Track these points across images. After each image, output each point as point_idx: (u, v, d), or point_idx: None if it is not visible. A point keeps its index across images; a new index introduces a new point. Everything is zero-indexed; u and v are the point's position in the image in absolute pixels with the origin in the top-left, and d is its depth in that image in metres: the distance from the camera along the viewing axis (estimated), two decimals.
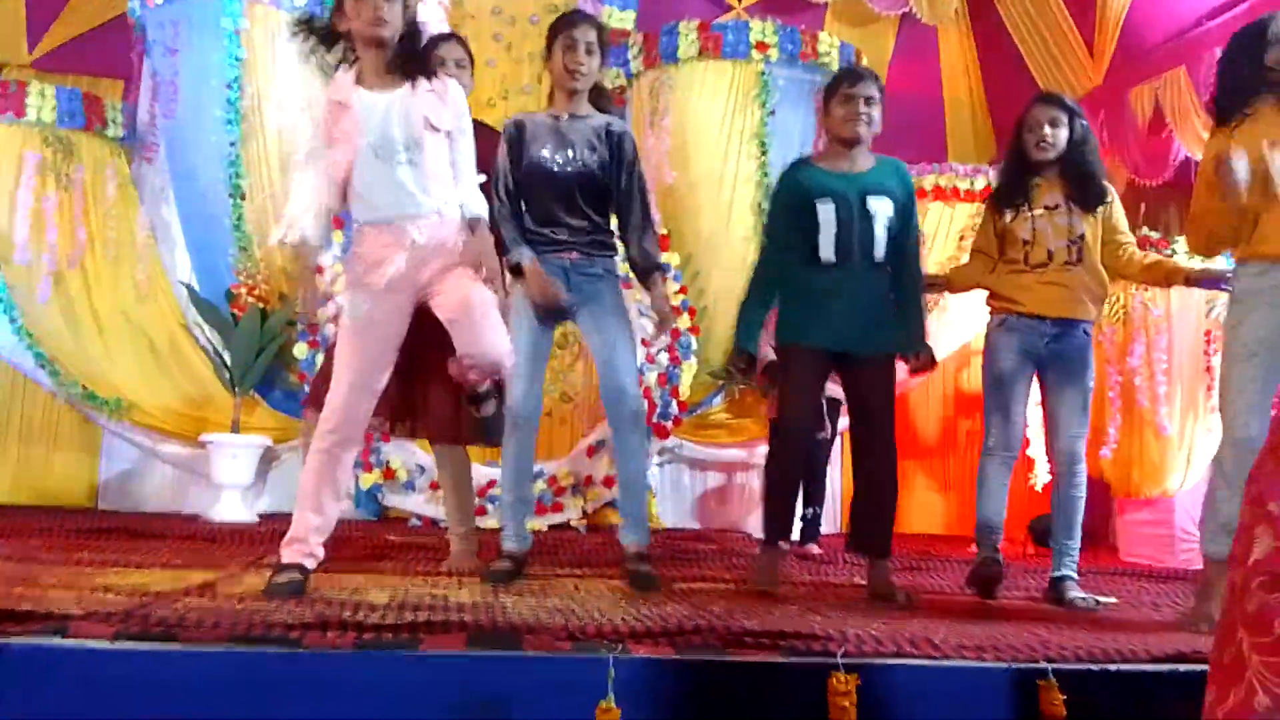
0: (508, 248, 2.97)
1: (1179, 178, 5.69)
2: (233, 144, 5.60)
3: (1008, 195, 3.19)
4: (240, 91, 5.61)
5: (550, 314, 3.02)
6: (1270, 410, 2.68)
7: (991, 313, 3.25)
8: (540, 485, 5.63)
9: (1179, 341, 4.89)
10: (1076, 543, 3.13)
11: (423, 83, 2.56)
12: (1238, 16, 5.07)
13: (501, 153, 3.05)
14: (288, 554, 2.49)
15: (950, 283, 3.49)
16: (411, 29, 2.56)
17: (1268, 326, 2.63)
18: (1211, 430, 4.89)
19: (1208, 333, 4.91)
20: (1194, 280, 3.16)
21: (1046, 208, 3.11)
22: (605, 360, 3.04)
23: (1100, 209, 3.14)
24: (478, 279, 2.60)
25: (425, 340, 2.75)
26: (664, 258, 5.95)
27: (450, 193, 2.60)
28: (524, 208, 3.06)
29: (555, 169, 3.00)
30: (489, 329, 2.57)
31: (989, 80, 7.30)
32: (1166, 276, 3.21)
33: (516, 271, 2.99)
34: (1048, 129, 3.08)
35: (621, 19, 6.70)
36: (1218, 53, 5.00)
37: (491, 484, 5.62)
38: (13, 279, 5.51)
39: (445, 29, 6.55)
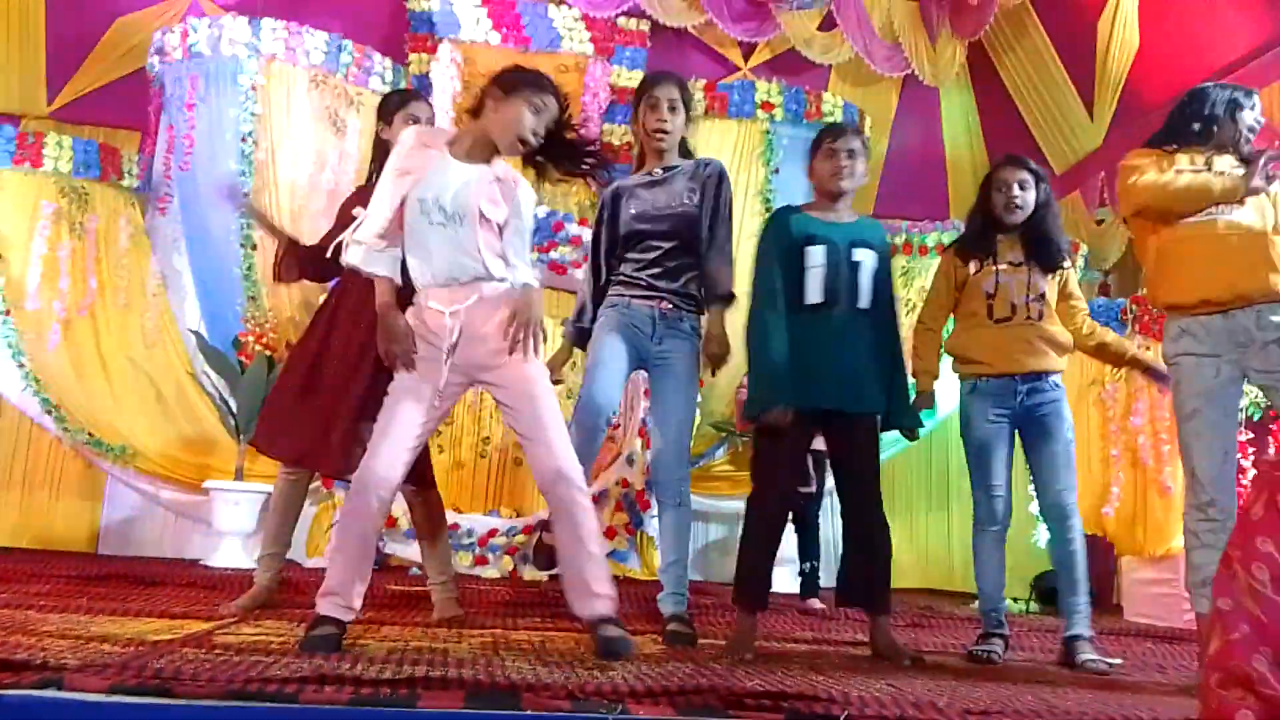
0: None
1: None
2: (245, 195, 5.70)
3: (974, 247, 3.19)
4: (254, 145, 5.73)
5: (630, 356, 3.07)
6: (1232, 462, 2.73)
7: (961, 378, 3.22)
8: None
9: None
10: (1084, 598, 3.07)
11: (498, 170, 2.58)
12: (1236, 80, 5.16)
13: (599, 219, 3.21)
14: (323, 606, 2.46)
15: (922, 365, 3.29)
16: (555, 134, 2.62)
17: (1199, 379, 2.72)
18: None
19: None
20: (1142, 369, 3.27)
21: (1010, 263, 3.13)
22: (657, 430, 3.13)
23: (1059, 271, 3.19)
24: (538, 365, 2.57)
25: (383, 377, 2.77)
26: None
27: (496, 267, 2.54)
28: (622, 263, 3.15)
29: (655, 212, 3.08)
30: (560, 428, 2.53)
31: (991, 140, 7.41)
32: (1115, 360, 3.30)
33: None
34: (1017, 190, 3.11)
35: (629, 78, 6.84)
36: None
37: (493, 533, 5.61)
38: (23, 325, 5.57)
39: (457, 87, 6.73)
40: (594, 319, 3.19)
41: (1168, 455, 4.84)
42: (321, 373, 3.07)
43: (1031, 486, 3.18)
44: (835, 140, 3.02)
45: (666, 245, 3.08)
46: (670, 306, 3.08)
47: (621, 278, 3.13)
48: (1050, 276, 3.15)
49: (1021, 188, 3.11)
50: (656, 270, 3.08)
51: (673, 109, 3.06)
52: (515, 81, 2.59)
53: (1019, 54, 6.86)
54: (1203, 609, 2.63)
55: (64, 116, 6.61)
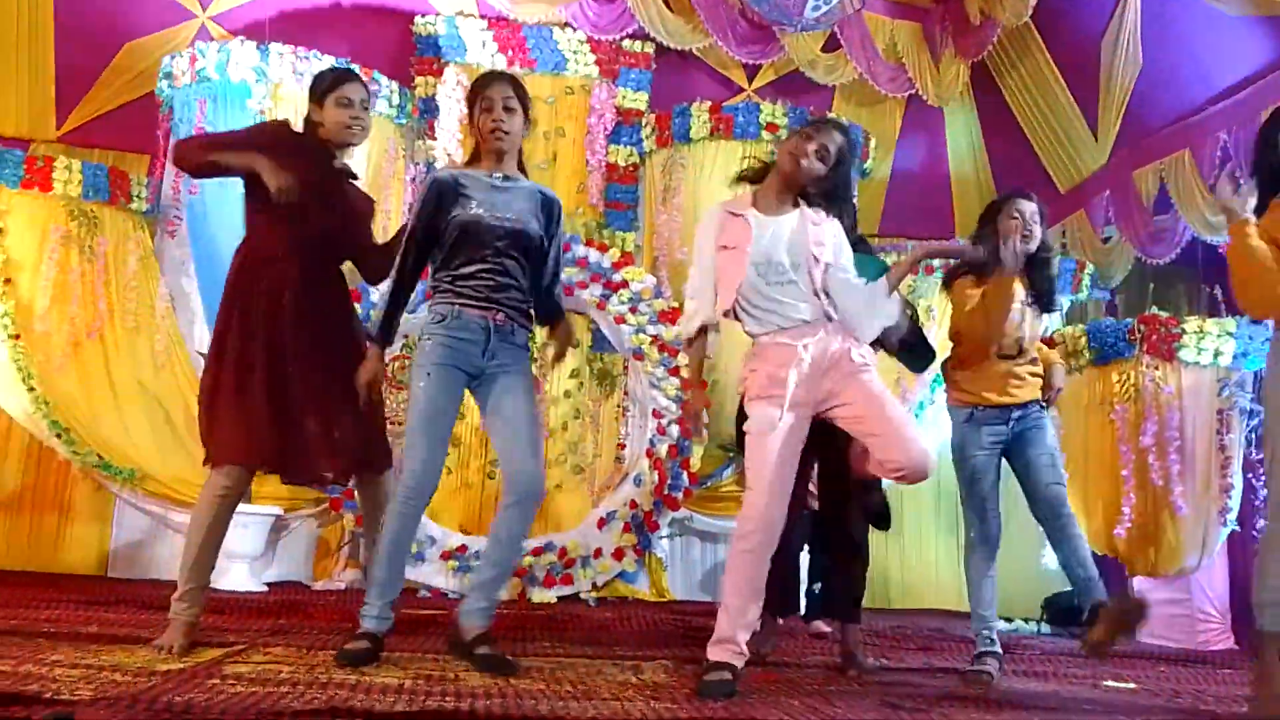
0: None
1: (1185, 258, 5.74)
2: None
3: (989, 272, 3.15)
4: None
5: (458, 375, 2.83)
6: None
7: (956, 405, 3.26)
8: (550, 557, 5.60)
9: (1191, 420, 4.87)
10: (1094, 570, 3.09)
11: (809, 213, 2.72)
12: (1240, 102, 5.18)
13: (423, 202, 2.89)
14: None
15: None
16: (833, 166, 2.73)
17: None
18: (1228, 510, 4.86)
19: (1220, 411, 4.90)
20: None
21: (1021, 301, 3.17)
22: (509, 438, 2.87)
23: (1046, 315, 3.27)
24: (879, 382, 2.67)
25: (328, 375, 2.78)
26: (676, 331, 6.02)
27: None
28: (448, 259, 2.86)
29: (494, 223, 2.83)
30: (915, 437, 2.60)
31: (995, 159, 7.43)
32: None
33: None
34: (1030, 221, 3.15)
35: (635, 99, 6.89)
36: (1222, 137, 5.16)
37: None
38: (32, 348, 5.59)
39: (463, 109, 6.76)
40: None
41: (1177, 475, 4.82)
42: (277, 374, 2.83)
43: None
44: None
45: (504, 258, 2.85)
46: (503, 318, 2.84)
47: (447, 283, 2.85)
48: (1041, 316, 3.25)
49: (1032, 219, 3.15)
50: (492, 281, 2.84)
51: (508, 109, 2.88)
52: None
53: (1022, 73, 6.88)
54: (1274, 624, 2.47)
55: (73, 140, 6.66)
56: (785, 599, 3.14)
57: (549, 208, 2.96)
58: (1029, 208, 3.16)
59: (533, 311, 2.98)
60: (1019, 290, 3.12)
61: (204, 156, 2.92)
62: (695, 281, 2.82)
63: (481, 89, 2.91)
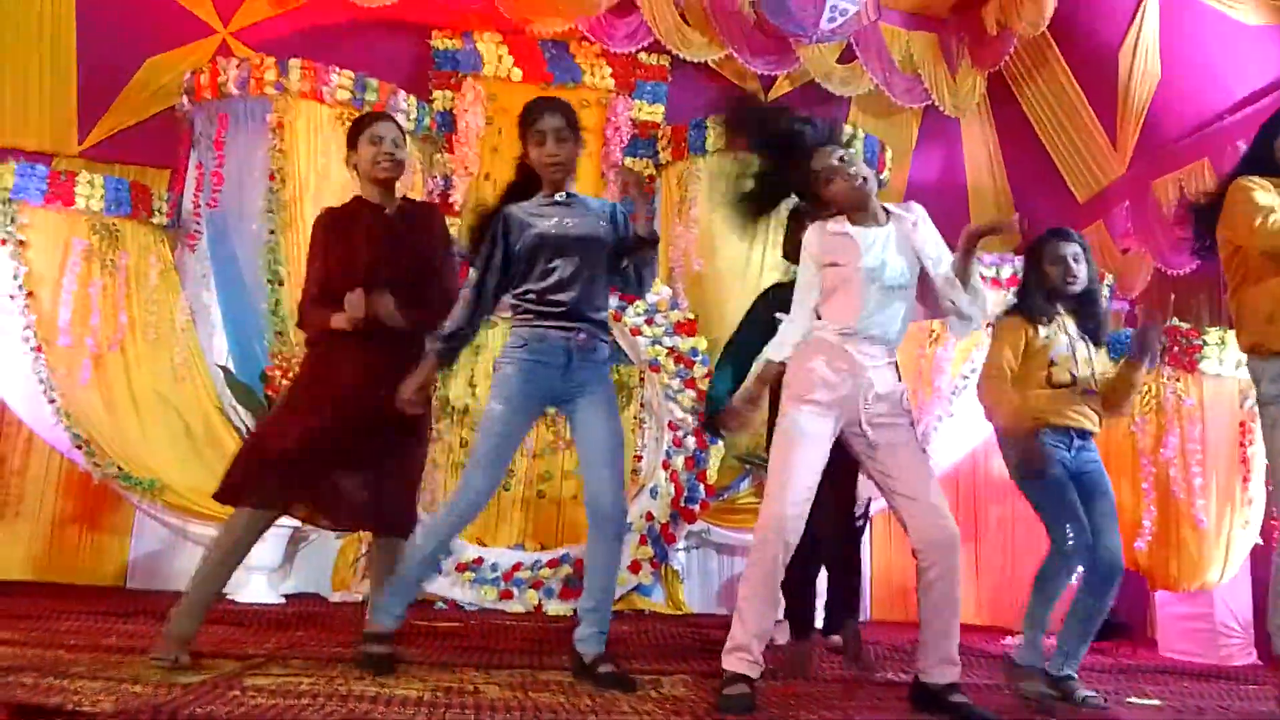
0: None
1: (1205, 268, 5.69)
2: (272, 232, 5.78)
3: (1040, 313, 3.18)
4: (281, 183, 5.82)
5: (534, 405, 2.90)
6: None
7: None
8: (566, 570, 5.60)
9: (1213, 432, 4.82)
10: (1085, 648, 3.13)
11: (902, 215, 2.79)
12: (1260, 110, 5.14)
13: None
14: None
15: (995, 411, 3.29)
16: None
17: None
18: (1249, 523, 4.80)
19: (1242, 423, 4.85)
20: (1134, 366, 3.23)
21: (1070, 335, 3.18)
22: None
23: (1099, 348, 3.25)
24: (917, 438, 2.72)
25: (389, 428, 2.80)
26: (692, 343, 6.03)
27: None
28: (525, 276, 2.92)
29: (564, 234, 2.90)
30: (947, 514, 2.60)
31: (1012, 170, 7.40)
32: (1126, 384, 3.27)
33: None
34: (1073, 264, 3.15)
35: (651, 112, 6.92)
36: (1241, 146, 5.11)
37: (517, 567, 5.61)
38: (54, 361, 5.63)
39: (481, 123, 6.81)
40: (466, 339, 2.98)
41: (1199, 489, 4.77)
42: (336, 425, 2.87)
43: None
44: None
45: (581, 267, 2.90)
46: (585, 336, 2.90)
47: (530, 302, 2.91)
48: (1097, 350, 3.23)
49: (1075, 260, 3.15)
50: (574, 292, 2.89)
51: (560, 140, 2.92)
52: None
53: (1039, 84, 6.86)
54: None
55: (95, 156, 6.72)
56: (805, 615, 3.20)
57: (613, 213, 3.03)
58: (1070, 250, 3.15)
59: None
60: (1069, 324, 3.16)
61: (314, 323, 3.01)
62: (796, 299, 2.79)
63: (532, 123, 2.94)
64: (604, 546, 2.85)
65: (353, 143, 3.06)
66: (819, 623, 4.71)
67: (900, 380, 2.70)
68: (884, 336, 2.67)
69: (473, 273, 2.93)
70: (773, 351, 2.78)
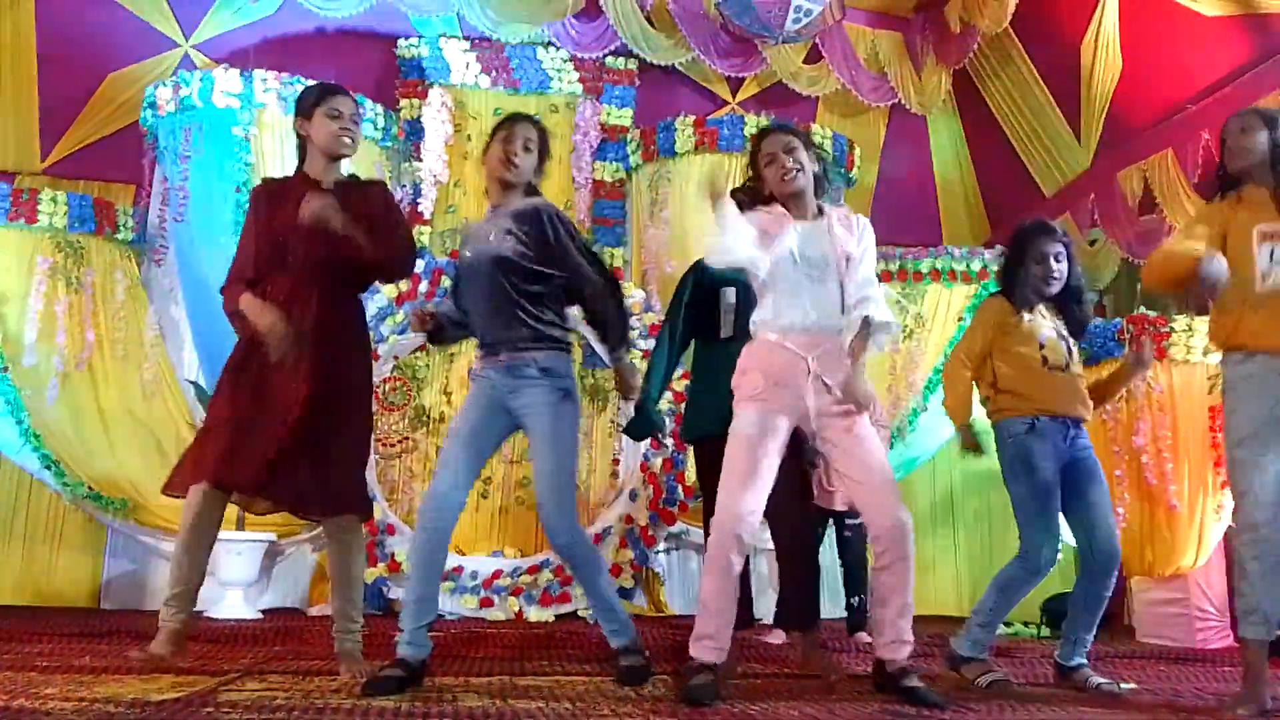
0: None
1: None
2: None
3: (1024, 303, 3.17)
4: (248, 194, 5.76)
5: (497, 410, 2.85)
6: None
7: (1015, 416, 3.12)
8: (546, 575, 5.58)
9: (1184, 418, 4.88)
10: (1092, 635, 3.16)
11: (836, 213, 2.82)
12: (1220, 99, 5.22)
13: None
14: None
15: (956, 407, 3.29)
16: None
17: (1256, 412, 2.66)
18: (1223, 507, 4.86)
19: (1212, 409, 4.90)
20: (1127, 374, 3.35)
21: (1053, 325, 3.20)
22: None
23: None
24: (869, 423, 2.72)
25: (320, 409, 2.74)
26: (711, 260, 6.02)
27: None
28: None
29: (471, 259, 2.87)
30: (899, 502, 2.63)
31: (980, 165, 7.48)
32: (1113, 385, 3.40)
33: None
34: (1054, 263, 3.17)
35: (620, 116, 6.93)
36: (1204, 136, 5.19)
37: (497, 574, 5.58)
38: (21, 381, 5.56)
39: (449, 130, 6.79)
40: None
41: (1171, 474, 4.82)
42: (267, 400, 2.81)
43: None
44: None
45: (493, 289, 2.87)
46: (506, 357, 2.85)
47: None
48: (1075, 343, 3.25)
49: (1056, 259, 3.16)
50: (495, 320, 2.90)
51: (527, 149, 2.89)
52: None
53: (1004, 79, 6.94)
54: (1252, 634, 2.62)
55: (58, 172, 6.65)
56: (808, 608, 3.22)
57: (528, 217, 2.83)
58: (1053, 249, 3.16)
59: (570, 326, 2.97)
60: (1049, 316, 3.19)
61: (231, 308, 3.01)
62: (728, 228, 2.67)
63: (507, 126, 2.94)
64: (572, 567, 2.99)
65: (305, 114, 2.96)
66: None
67: (862, 375, 2.66)
68: (820, 325, 2.67)
69: None
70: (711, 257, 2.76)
